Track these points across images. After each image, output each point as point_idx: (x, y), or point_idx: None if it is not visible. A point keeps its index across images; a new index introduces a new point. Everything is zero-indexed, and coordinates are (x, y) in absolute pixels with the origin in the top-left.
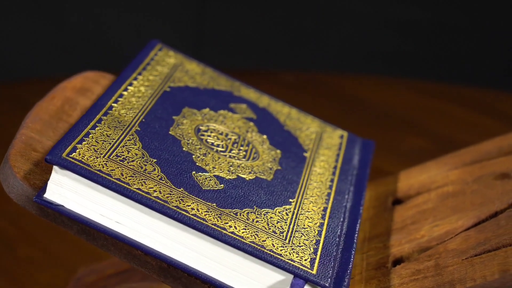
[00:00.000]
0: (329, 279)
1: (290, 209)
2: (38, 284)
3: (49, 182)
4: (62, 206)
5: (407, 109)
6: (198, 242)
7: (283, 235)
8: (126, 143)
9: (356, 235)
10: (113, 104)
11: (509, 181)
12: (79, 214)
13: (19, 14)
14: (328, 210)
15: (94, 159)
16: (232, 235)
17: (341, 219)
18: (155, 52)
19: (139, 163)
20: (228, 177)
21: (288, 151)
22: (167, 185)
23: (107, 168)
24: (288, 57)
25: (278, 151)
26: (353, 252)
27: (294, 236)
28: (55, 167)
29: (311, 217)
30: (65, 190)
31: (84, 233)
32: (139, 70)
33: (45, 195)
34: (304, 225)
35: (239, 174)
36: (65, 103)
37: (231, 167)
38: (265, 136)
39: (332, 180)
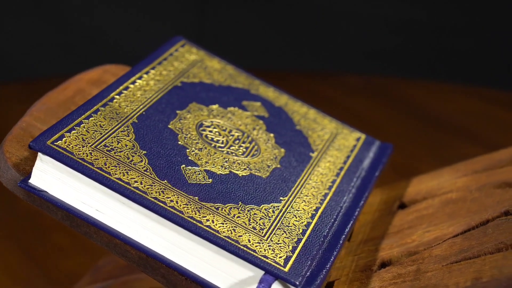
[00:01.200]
0: (300, 277)
1: (278, 207)
2: (63, 271)
3: (34, 168)
4: (46, 192)
5: (468, 116)
6: (175, 234)
7: (262, 232)
8: (118, 134)
9: (343, 236)
10: (115, 96)
11: (509, 190)
12: (61, 201)
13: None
14: (320, 210)
15: (79, 147)
16: (207, 228)
17: (332, 220)
18: (176, 48)
19: (127, 153)
20: (220, 172)
21: (293, 150)
22: (151, 177)
23: (91, 157)
24: (350, 60)
25: (282, 150)
26: (335, 252)
27: (274, 233)
28: (39, 154)
29: (299, 216)
30: (48, 176)
31: (68, 220)
32: (153, 64)
33: (30, 181)
34: (289, 223)
35: (233, 170)
36: (76, 94)
37: (225, 163)
38: (272, 135)
39: (333, 181)
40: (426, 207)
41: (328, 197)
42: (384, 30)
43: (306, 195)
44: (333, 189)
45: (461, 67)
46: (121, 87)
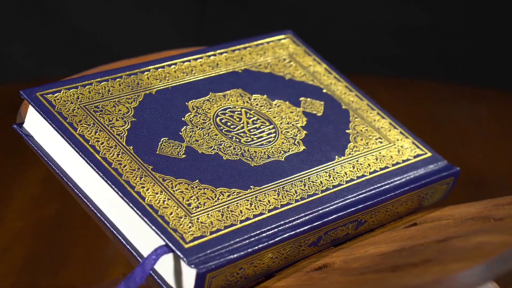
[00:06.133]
0: (194, 257)
1: (240, 193)
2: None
3: (27, 114)
4: (32, 137)
5: None
6: (111, 194)
7: (195, 210)
8: (121, 100)
9: (285, 236)
10: (151, 69)
11: (479, 223)
12: (41, 147)
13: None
14: (288, 207)
15: (66, 103)
16: (134, 193)
17: (293, 219)
18: (271, 40)
19: (113, 117)
20: (202, 151)
21: (317, 150)
22: (117, 141)
23: (70, 113)
24: None
25: (303, 147)
26: (256, 248)
27: (208, 214)
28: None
29: (256, 206)
30: (36, 123)
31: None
32: (226, 50)
33: (23, 125)
34: (234, 209)
35: (219, 152)
36: None
37: (218, 146)
38: (305, 132)
39: (336, 186)
40: (413, 229)
41: (312, 198)
42: None
43: (287, 191)
44: (328, 192)
45: None
46: (165, 63)
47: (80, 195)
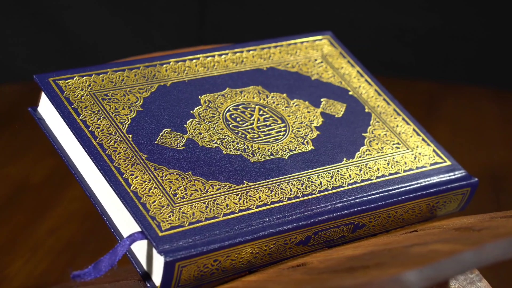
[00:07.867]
0: (167, 246)
1: (231, 187)
2: None
3: (40, 99)
4: (44, 120)
5: None
6: (101, 179)
7: (179, 200)
8: (133, 89)
9: (267, 232)
10: (171, 61)
11: (467, 234)
12: (51, 131)
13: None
14: (277, 205)
15: (76, 90)
16: (121, 179)
17: (281, 217)
18: (305, 41)
19: (120, 105)
20: (202, 144)
21: (326, 151)
22: (118, 128)
23: (78, 99)
24: None
25: (311, 147)
26: (233, 241)
27: (192, 205)
28: None
29: (243, 201)
30: (47, 107)
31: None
32: (254, 47)
33: (38, 109)
34: (220, 203)
35: (220, 146)
36: None
37: (220, 140)
38: (317, 132)
39: (336, 188)
40: (402, 235)
41: (306, 197)
42: None
43: (282, 189)
44: (325, 193)
45: None
46: (188, 57)
47: (79, 180)
